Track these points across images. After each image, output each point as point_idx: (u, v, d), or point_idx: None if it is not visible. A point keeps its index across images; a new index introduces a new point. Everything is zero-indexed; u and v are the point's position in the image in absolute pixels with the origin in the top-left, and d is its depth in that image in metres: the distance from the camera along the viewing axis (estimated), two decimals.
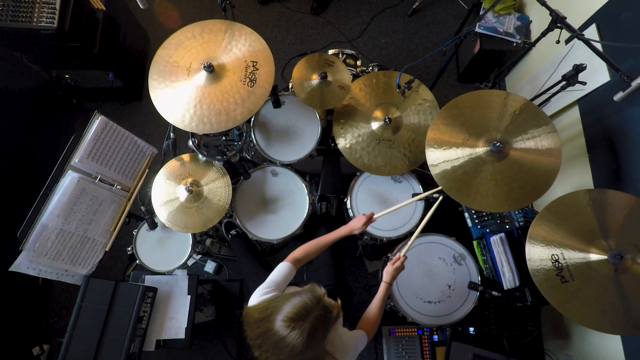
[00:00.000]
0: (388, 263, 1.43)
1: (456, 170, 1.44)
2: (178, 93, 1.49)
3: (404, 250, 1.45)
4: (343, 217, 1.97)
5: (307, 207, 1.82)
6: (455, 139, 1.46)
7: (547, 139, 1.42)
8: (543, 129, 1.43)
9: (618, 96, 1.38)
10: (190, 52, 1.52)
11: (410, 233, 1.79)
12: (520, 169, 1.41)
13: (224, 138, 2.00)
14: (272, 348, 1.01)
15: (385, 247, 2.06)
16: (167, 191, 1.71)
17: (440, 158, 1.46)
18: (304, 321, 0.99)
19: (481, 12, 2.40)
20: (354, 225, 1.43)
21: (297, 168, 1.91)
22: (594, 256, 1.27)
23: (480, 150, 1.43)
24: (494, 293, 1.64)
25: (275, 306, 1.05)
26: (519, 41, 2.34)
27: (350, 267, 2.48)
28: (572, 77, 1.48)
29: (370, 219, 1.45)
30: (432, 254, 1.77)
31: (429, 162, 1.47)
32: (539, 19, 2.34)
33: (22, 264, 1.51)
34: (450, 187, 1.43)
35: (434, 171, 1.46)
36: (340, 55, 2.12)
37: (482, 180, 1.42)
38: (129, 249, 1.80)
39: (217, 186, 1.73)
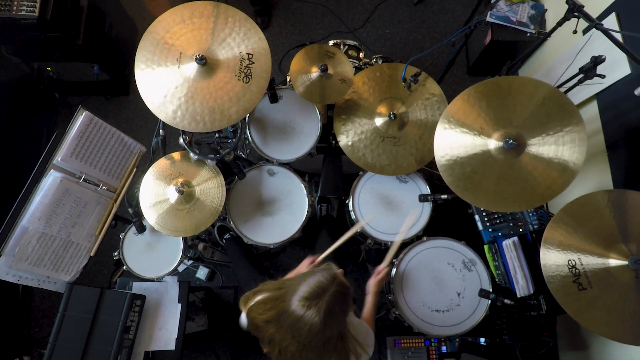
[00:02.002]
0: (371, 276, 1.51)
1: (464, 163, 1.44)
2: (167, 85, 1.49)
3: (386, 261, 1.51)
4: (345, 220, 1.97)
5: (307, 209, 1.82)
6: (472, 123, 1.45)
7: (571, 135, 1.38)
8: (570, 129, 1.38)
9: (639, 90, 1.38)
10: (179, 40, 1.51)
11: (417, 237, 1.79)
12: (537, 166, 1.40)
13: (217, 135, 2.00)
14: (290, 330, 1.06)
15: None
16: (156, 192, 1.71)
17: (448, 146, 1.46)
18: (319, 299, 1.04)
19: (493, 0, 2.40)
20: (300, 270, 1.48)
21: (296, 167, 1.91)
22: (614, 262, 1.27)
23: (493, 144, 1.43)
24: (507, 301, 1.64)
25: (289, 286, 1.11)
26: (533, 31, 2.34)
27: (353, 273, 2.48)
28: (590, 70, 1.48)
29: (313, 262, 1.50)
30: (440, 259, 1.77)
31: (435, 147, 1.47)
32: (554, 8, 2.35)
33: (1, 270, 1.50)
34: (457, 185, 1.44)
35: (439, 162, 1.46)
36: (341, 47, 2.13)
37: (492, 177, 1.42)
38: (116, 254, 1.80)
39: (209, 187, 1.73)
